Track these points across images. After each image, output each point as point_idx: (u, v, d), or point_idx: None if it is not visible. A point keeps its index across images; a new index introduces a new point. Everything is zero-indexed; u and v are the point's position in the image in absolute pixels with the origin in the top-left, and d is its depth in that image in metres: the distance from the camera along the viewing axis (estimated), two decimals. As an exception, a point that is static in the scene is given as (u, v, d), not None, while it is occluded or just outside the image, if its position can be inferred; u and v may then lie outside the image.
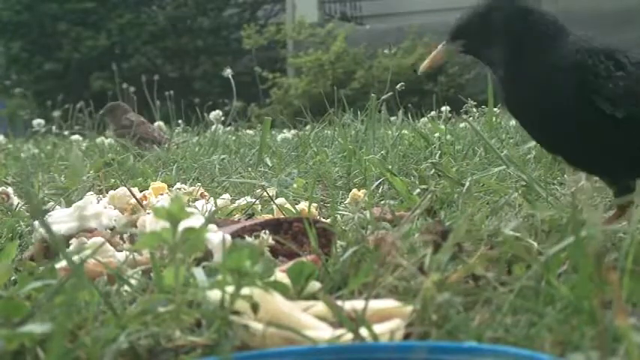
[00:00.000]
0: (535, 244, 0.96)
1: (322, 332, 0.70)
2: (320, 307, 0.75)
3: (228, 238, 0.91)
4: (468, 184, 1.35)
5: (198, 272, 0.80)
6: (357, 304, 0.74)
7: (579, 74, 1.02)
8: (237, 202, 1.49)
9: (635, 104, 1.00)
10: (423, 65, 1.12)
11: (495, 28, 1.07)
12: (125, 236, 1.18)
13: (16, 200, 1.65)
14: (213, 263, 0.88)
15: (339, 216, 1.30)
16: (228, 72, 3.81)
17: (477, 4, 1.10)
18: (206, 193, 1.57)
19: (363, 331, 0.68)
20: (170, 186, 1.61)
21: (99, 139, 3.85)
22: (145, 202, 1.37)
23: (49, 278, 0.82)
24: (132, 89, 5.86)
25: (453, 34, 1.10)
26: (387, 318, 0.72)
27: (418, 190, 1.48)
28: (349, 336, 0.68)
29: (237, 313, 0.73)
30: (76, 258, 0.77)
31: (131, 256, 1.02)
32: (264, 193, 1.43)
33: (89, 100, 6.01)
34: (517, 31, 1.06)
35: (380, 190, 1.59)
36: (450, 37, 1.11)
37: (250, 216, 1.40)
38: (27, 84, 9.20)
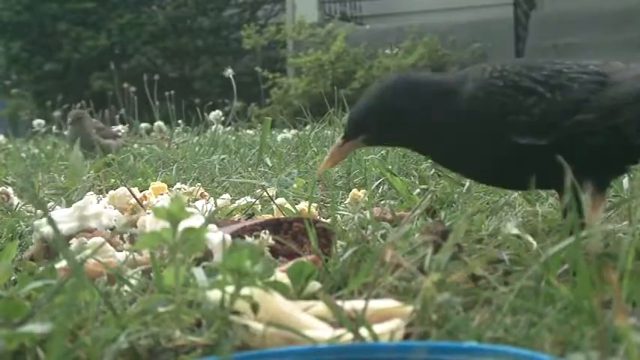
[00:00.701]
0: (535, 243, 0.96)
1: (322, 332, 0.70)
2: (320, 307, 0.75)
3: (228, 238, 0.91)
4: (467, 184, 1.35)
5: (198, 272, 0.80)
6: (357, 304, 0.74)
7: (487, 118, 0.98)
8: (237, 202, 1.49)
9: (555, 125, 0.96)
10: (323, 165, 1.07)
11: (398, 110, 1.01)
12: (125, 236, 1.18)
13: (16, 200, 1.65)
14: (213, 263, 0.88)
15: (339, 216, 1.30)
16: (229, 72, 3.81)
17: (367, 96, 1.04)
18: (206, 193, 1.57)
19: (363, 331, 0.68)
20: (170, 186, 1.61)
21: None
22: (145, 202, 1.37)
23: (49, 278, 0.82)
24: (132, 89, 5.86)
25: (352, 131, 1.04)
26: (387, 318, 0.72)
27: (418, 190, 1.48)
28: (349, 336, 0.68)
29: (237, 313, 0.73)
30: (76, 258, 0.77)
31: (131, 256, 1.02)
32: (264, 193, 1.43)
33: (89, 100, 6.01)
34: (418, 106, 1.00)
35: (380, 190, 1.59)
36: (350, 134, 1.04)
37: (250, 216, 1.40)
38: (27, 84, 9.19)
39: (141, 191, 1.43)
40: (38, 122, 5.28)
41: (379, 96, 1.02)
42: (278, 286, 0.76)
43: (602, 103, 0.96)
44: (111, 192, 1.40)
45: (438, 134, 1.00)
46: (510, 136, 0.96)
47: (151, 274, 0.88)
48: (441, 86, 1.01)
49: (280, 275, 0.81)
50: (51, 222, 0.77)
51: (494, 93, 0.98)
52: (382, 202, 1.48)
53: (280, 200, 1.39)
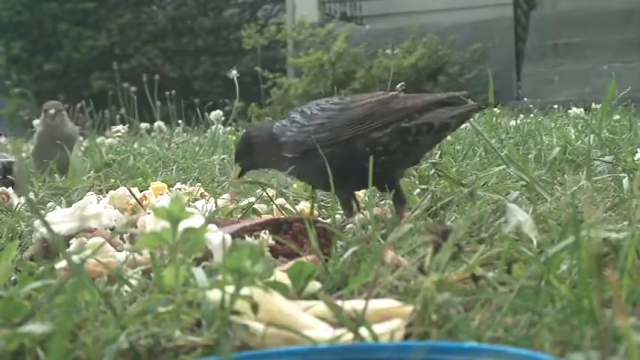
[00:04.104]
0: (535, 243, 0.96)
1: (322, 332, 0.70)
2: (320, 307, 0.75)
3: (228, 238, 0.91)
4: (471, 187, 1.34)
5: (198, 272, 0.80)
6: (357, 304, 0.74)
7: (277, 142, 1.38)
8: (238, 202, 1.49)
9: (302, 143, 1.33)
10: (232, 177, 1.50)
11: (255, 146, 1.43)
12: (125, 236, 1.18)
13: (16, 200, 1.65)
14: (213, 263, 0.88)
15: (339, 216, 1.30)
16: (233, 73, 3.80)
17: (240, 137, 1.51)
18: (206, 193, 1.57)
19: (363, 331, 0.68)
20: (170, 186, 1.61)
21: (99, 139, 3.85)
22: (145, 202, 1.37)
23: (49, 278, 0.82)
24: (132, 89, 5.86)
25: (235, 159, 1.49)
26: (387, 318, 0.72)
27: (418, 190, 1.48)
28: (349, 336, 0.68)
29: (237, 313, 0.73)
30: (76, 258, 0.77)
31: (131, 256, 1.02)
32: (264, 193, 1.43)
33: (89, 100, 6.01)
34: (259, 143, 1.43)
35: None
36: (235, 161, 1.49)
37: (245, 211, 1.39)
38: (27, 84, 9.19)
39: (141, 191, 1.43)
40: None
41: (240, 140, 1.50)
42: (278, 286, 0.76)
43: (333, 124, 1.31)
44: (111, 192, 1.40)
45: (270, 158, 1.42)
46: (283, 152, 1.36)
47: (151, 274, 0.88)
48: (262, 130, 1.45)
49: (280, 275, 0.81)
50: (45, 224, 0.77)
51: (280, 126, 1.38)
52: (382, 202, 1.48)
53: (280, 200, 1.39)
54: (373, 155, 1.24)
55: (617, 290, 0.59)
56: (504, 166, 1.60)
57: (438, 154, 2.14)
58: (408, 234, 1.01)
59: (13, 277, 0.95)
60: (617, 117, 3.27)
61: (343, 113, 1.32)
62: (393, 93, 1.34)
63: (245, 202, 1.48)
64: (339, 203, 1.35)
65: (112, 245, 1.08)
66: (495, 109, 2.87)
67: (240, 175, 1.48)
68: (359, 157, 1.28)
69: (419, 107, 1.30)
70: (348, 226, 1.28)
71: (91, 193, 1.57)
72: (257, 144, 1.42)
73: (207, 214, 1.21)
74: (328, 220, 1.15)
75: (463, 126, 3.09)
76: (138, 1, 9.51)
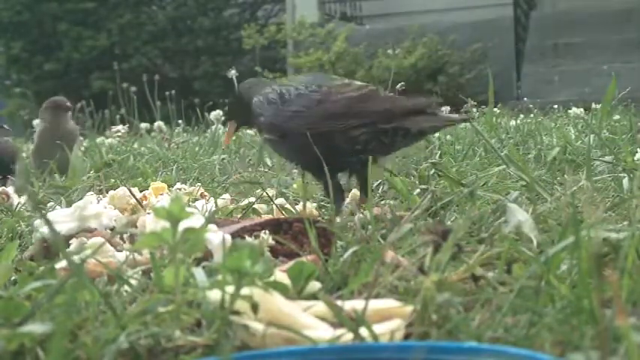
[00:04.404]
0: (535, 243, 0.96)
1: (322, 332, 0.70)
2: (320, 307, 0.75)
3: (228, 238, 0.91)
4: (472, 187, 1.34)
5: (198, 272, 0.80)
6: (357, 304, 0.74)
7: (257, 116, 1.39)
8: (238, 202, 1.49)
9: (278, 127, 1.35)
10: (224, 141, 1.63)
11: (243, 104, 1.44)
12: (125, 236, 1.18)
13: (16, 200, 1.65)
14: (213, 263, 0.88)
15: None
16: (232, 73, 3.79)
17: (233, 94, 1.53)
18: (206, 193, 1.57)
19: (363, 331, 0.68)
20: (170, 186, 1.61)
21: (99, 139, 3.85)
22: (145, 202, 1.37)
23: (49, 278, 0.82)
24: (132, 89, 5.86)
25: (226, 117, 1.53)
26: (387, 318, 0.72)
27: (418, 190, 1.48)
28: (349, 336, 0.68)
29: (237, 313, 0.73)
30: (76, 258, 0.77)
31: (131, 256, 1.02)
32: (264, 193, 1.43)
33: (89, 100, 6.01)
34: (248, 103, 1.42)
35: (380, 190, 1.59)
36: (227, 119, 1.53)
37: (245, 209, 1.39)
38: (27, 84, 9.18)
39: (141, 191, 1.43)
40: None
41: (233, 97, 1.52)
42: (278, 286, 0.76)
43: (310, 114, 1.32)
44: (111, 192, 1.40)
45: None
46: (262, 132, 1.40)
47: (151, 274, 0.88)
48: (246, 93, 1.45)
49: (280, 275, 0.81)
50: (48, 223, 0.77)
51: (257, 102, 1.39)
52: (382, 202, 1.48)
53: (280, 200, 1.39)
54: (350, 150, 1.30)
55: (617, 290, 0.59)
56: (504, 166, 1.60)
57: (438, 154, 2.14)
58: (408, 234, 1.01)
59: (13, 277, 0.95)
60: (617, 117, 3.27)
61: (320, 105, 1.32)
62: (372, 88, 1.34)
63: (245, 202, 1.48)
64: (323, 188, 1.37)
65: (112, 245, 1.08)
66: (495, 109, 2.87)
67: (236, 129, 1.52)
68: (334, 148, 1.31)
69: (396, 112, 1.31)
70: (349, 224, 1.28)
71: (91, 193, 1.57)
72: (249, 100, 1.42)
73: (207, 214, 1.21)
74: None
75: (462, 125, 3.09)
76: (138, 1, 9.50)
